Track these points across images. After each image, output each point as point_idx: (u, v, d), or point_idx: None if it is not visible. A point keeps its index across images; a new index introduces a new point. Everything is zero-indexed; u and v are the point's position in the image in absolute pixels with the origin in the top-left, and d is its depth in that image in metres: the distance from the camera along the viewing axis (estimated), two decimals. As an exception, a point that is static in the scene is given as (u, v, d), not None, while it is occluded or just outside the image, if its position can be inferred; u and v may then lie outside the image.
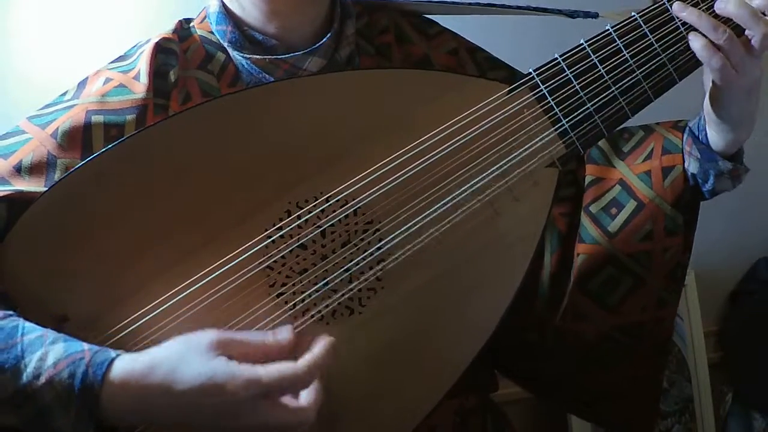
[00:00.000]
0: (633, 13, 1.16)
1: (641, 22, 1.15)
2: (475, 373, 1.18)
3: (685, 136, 1.27)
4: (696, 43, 1.14)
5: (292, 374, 0.96)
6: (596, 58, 1.15)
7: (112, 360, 0.94)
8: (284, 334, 1.02)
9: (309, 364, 0.98)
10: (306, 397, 0.98)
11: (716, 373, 2.42)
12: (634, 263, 1.27)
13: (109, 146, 1.08)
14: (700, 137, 1.25)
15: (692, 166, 1.25)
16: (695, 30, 1.15)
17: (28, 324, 0.99)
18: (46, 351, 0.95)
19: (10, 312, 1.01)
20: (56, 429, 0.93)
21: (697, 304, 2.36)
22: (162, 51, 1.20)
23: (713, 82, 1.17)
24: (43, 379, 0.93)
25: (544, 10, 1.30)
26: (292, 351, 1.01)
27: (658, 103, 1.17)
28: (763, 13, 1.13)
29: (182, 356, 0.95)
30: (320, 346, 1.00)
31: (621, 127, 1.28)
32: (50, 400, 0.93)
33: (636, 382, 1.36)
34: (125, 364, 0.94)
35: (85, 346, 0.96)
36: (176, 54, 1.20)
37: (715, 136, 1.22)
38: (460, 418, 1.28)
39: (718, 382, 2.43)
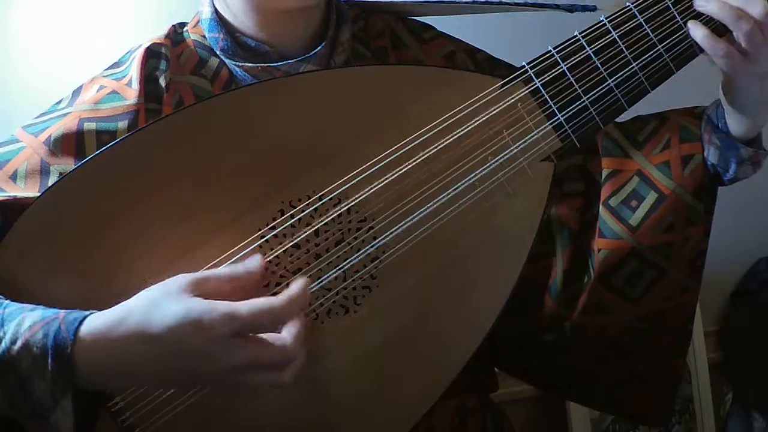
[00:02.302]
0: (628, 3, 1.15)
1: (636, 12, 1.14)
2: (475, 373, 1.18)
3: (703, 124, 1.26)
4: (697, 32, 1.13)
5: (269, 307, 0.95)
6: (591, 49, 1.13)
7: (85, 316, 0.94)
8: (254, 262, 1.02)
9: (286, 298, 0.97)
10: (287, 330, 0.97)
11: (716, 373, 2.42)
12: (656, 255, 1.26)
13: (103, 149, 1.08)
14: (720, 125, 1.23)
15: (712, 156, 1.24)
16: (692, 19, 1.13)
17: (11, 302, 1.00)
18: (24, 316, 0.96)
19: None
20: (37, 402, 0.93)
21: (698, 304, 2.33)
22: (153, 56, 1.20)
23: (722, 70, 1.15)
24: (19, 343, 0.93)
25: (542, 6, 1.29)
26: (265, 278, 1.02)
27: (654, 94, 1.16)
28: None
29: (155, 301, 0.95)
30: (297, 284, 0.99)
31: (634, 116, 1.27)
32: (28, 366, 0.93)
33: (655, 368, 1.36)
34: (98, 318, 0.94)
35: (62, 310, 0.96)
36: (167, 59, 1.20)
37: (734, 123, 1.20)
38: (459, 418, 1.27)
39: (718, 382, 2.43)
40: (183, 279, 0.97)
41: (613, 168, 1.29)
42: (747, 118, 1.19)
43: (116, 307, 0.96)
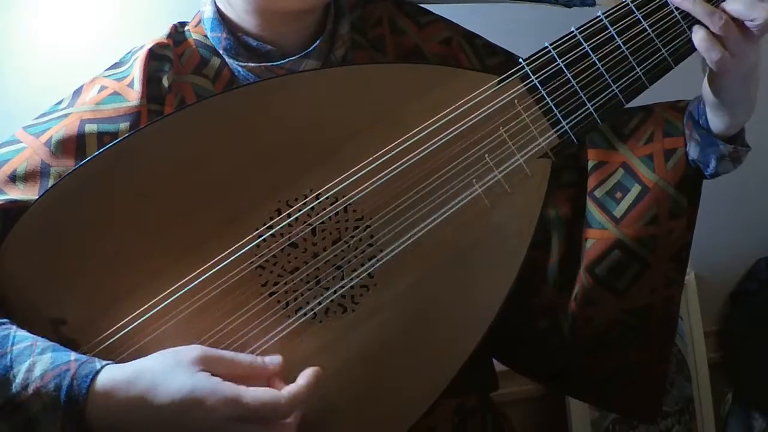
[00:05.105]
0: None
1: (633, 8, 1.13)
2: (475, 372, 1.17)
3: (685, 119, 1.26)
4: (697, 35, 1.12)
5: (273, 402, 0.96)
6: (588, 45, 1.13)
7: (97, 372, 0.95)
8: (274, 359, 1.03)
9: (292, 394, 0.98)
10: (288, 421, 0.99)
11: (716, 373, 2.42)
12: (640, 247, 1.25)
13: (102, 149, 1.08)
14: (700, 122, 1.23)
15: (693, 151, 1.24)
16: (691, 17, 1.13)
17: (19, 333, 0.99)
18: (34, 361, 0.96)
19: (4, 320, 1.01)
20: None
21: (697, 304, 2.35)
22: (155, 57, 1.19)
23: (710, 69, 1.15)
24: (30, 390, 0.94)
25: (539, 0, 1.28)
26: (278, 376, 1.02)
27: (654, 90, 1.16)
28: None
29: (165, 369, 0.96)
30: (305, 377, 1.01)
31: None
32: (38, 411, 0.93)
33: (644, 366, 1.35)
34: (109, 375, 0.95)
35: (72, 356, 0.97)
36: (170, 60, 1.20)
37: (715, 120, 1.20)
38: (459, 417, 1.27)
39: (718, 382, 2.43)
40: (196, 351, 0.98)
41: (599, 159, 1.29)
42: (728, 114, 1.18)
43: (129, 364, 0.97)
